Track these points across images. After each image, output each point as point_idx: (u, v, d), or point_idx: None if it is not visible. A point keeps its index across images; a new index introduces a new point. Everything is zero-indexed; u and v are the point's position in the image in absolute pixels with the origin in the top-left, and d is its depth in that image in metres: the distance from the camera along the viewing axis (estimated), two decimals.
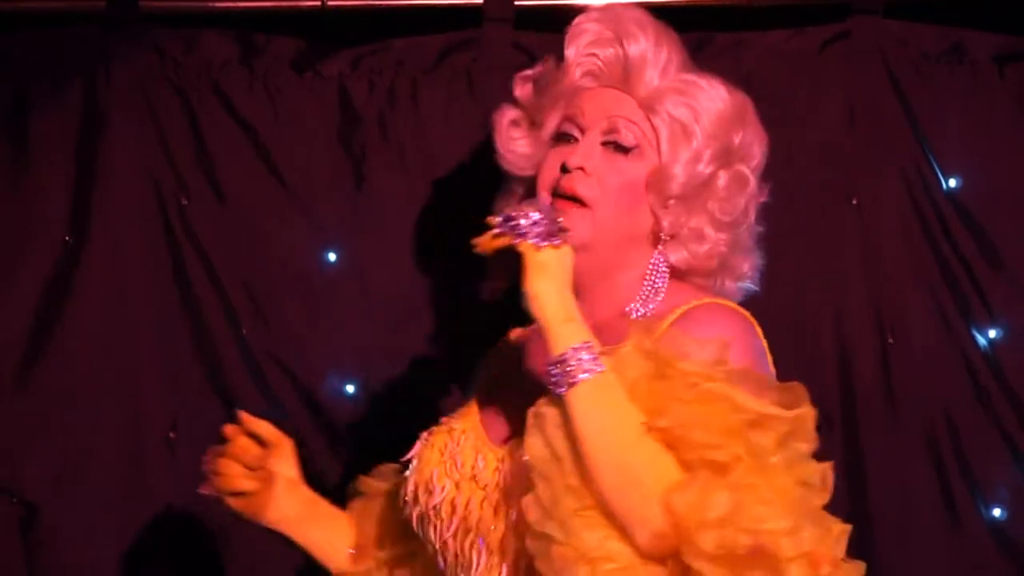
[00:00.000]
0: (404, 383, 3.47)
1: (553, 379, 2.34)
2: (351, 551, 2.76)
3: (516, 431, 2.49)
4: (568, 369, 2.33)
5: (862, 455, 3.40)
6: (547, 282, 2.38)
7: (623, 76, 2.62)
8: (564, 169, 2.56)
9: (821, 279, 3.42)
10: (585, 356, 2.33)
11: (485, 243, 2.46)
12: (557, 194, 2.57)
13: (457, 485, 2.54)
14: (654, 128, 2.59)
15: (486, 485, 2.51)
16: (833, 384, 3.41)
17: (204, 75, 3.48)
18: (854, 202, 3.44)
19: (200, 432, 3.39)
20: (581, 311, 2.44)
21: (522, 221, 2.46)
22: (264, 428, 2.69)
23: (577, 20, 2.67)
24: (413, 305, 3.49)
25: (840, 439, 3.40)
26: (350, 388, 3.51)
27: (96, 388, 3.44)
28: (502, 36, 3.42)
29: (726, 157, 2.60)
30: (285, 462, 2.70)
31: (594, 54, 2.63)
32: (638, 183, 2.58)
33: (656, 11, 3.26)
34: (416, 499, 2.57)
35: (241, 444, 2.67)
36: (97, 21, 3.44)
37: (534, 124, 2.69)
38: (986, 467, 3.43)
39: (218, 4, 3.53)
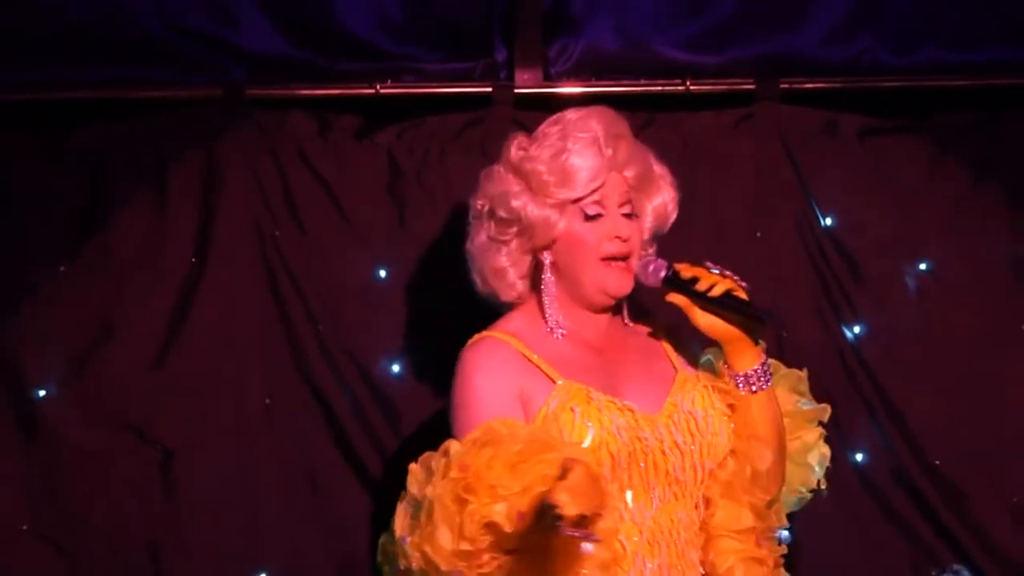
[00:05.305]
0: (433, 364, 3.67)
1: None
2: None
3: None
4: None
5: None
6: None
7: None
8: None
9: None
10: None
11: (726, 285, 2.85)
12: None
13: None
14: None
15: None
16: None
17: (291, 143, 3.83)
18: (758, 235, 3.87)
19: (288, 400, 3.82)
20: (612, 325, 2.96)
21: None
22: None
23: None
24: (439, 308, 3.73)
25: None
26: (396, 367, 3.83)
27: (213, 367, 3.79)
28: (505, 115, 3.78)
29: None
30: None
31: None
32: None
33: (613, 98, 3.63)
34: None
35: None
36: (215, 105, 3.82)
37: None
38: (852, 425, 3.86)
39: (302, 92, 3.86)
